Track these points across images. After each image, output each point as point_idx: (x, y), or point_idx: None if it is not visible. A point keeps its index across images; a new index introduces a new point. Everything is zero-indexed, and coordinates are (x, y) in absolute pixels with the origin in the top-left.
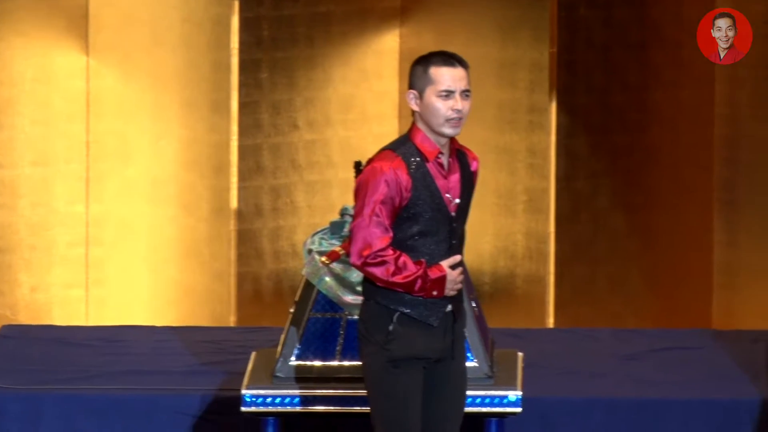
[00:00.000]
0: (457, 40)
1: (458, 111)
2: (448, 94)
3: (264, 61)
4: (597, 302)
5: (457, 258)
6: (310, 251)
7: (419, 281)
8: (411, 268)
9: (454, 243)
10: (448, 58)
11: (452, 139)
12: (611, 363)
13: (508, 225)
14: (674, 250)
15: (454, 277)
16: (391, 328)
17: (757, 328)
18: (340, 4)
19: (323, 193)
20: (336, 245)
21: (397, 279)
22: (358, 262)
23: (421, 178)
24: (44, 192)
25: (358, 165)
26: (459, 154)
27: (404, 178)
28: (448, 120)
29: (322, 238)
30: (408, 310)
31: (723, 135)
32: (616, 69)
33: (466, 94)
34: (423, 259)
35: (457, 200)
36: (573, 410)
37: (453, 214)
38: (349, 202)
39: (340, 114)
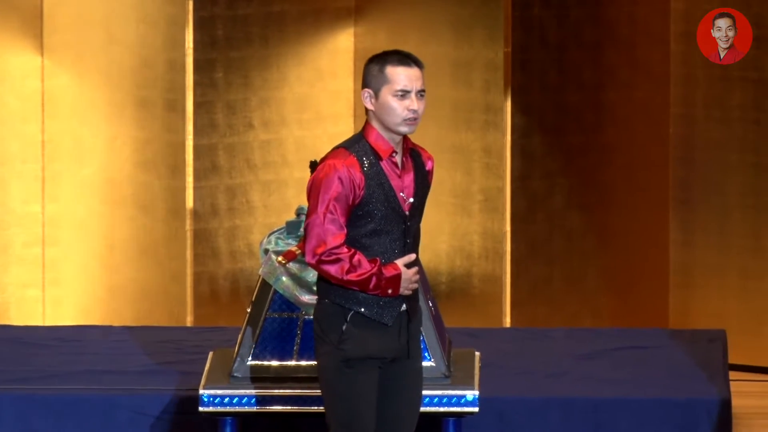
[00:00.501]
0: (411, 40)
1: (414, 111)
2: (404, 93)
3: (219, 61)
4: (553, 302)
5: (412, 257)
6: (266, 251)
7: (374, 279)
8: (366, 266)
9: (409, 242)
10: (404, 58)
11: (405, 138)
12: (568, 362)
13: (464, 225)
14: (630, 250)
15: (409, 275)
16: (344, 327)
17: (713, 327)
18: (295, 4)
19: (279, 193)
20: (292, 245)
21: (352, 277)
22: (313, 261)
23: (375, 177)
24: (0, 192)
25: (313, 164)
26: (413, 153)
27: (357, 176)
28: (404, 120)
29: (279, 238)
30: (362, 309)
31: (678, 135)
32: (570, 69)
33: (421, 94)
34: (377, 258)
35: (411, 199)
36: (530, 410)
37: (407, 212)
38: (304, 201)
39: (296, 113)
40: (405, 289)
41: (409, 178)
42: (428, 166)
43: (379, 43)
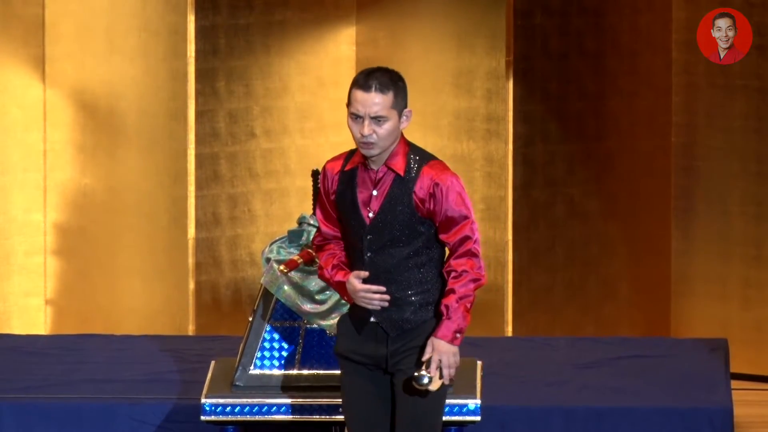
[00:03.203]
0: (413, 48)
1: (364, 136)
2: (356, 117)
3: (220, 70)
4: (555, 310)
5: (362, 273)
6: (268, 260)
7: (325, 275)
8: (324, 261)
9: (369, 255)
10: (367, 81)
11: (394, 154)
12: (569, 371)
13: None
14: (632, 259)
15: (354, 287)
16: (338, 322)
17: (714, 335)
18: (296, 13)
19: (281, 202)
20: (294, 254)
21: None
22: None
23: (348, 182)
24: (2, 200)
25: (315, 173)
26: (392, 171)
27: (334, 177)
28: (359, 142)
29: (281, 247)
30: (346, 310)
31: (680, 143)
32: (572, 77)
33: (378, 120)
34: (342, 262)
35: (371, 214)
36: (531, 418)
37: (367, 225)
38: (307, 210)
39: (297, 122)
40: (359, 300)
41: (380, 193)
42: (420, 192)
43: (381, 52)
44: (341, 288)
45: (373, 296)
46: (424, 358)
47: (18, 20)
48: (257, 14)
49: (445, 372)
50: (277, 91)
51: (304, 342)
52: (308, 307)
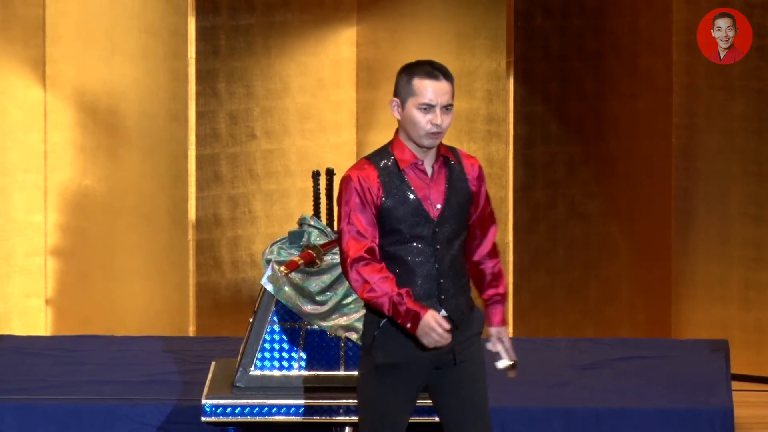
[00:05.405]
0: (413, 50)
1: (437, 125)
2: (428, 107)
3: (221, 71)
4: (556, 312)
5: (447, 325)
6: (269, 261)
7: (394, 298)
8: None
9: (438, 248)
10: (433, 71)
11: (440, 146)
12: (570, 372)
13: None
14: (632, 260)
15: (430, 323)
16: (376, 333)
17: (715, 337)
18: (297, 14)
19: (281, 203)
20: (295, 255)
21: (369, 296)
22: (343, 272)
23: (398, 185)
24: (2, 201)
25: (316, 174)
26: (447, 161)
27: (373, 185)
28: (427, 133)
29: (281, 248)
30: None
31: (680, 144)
32: (572, 79)
33: (447, 108)
34: (408, 288)
35: (439, 206)
36: (532, 420)
37: (434, 219)
38: (307, 211)
39: (298, 123)
40: (424, 335)
41: (439, 186)
42: (471, 173)
43: (381, 54)
44: (412, 318)
45: (443, 341)
46: (494, 349)
47: (18, 21)
48: (258, 15)
49: (515, 355)
50: (278, 92)
51: (305, 343)
52: (309, 308)
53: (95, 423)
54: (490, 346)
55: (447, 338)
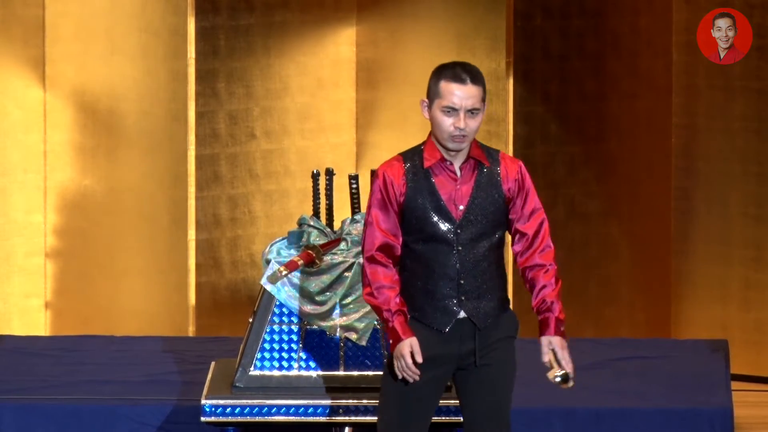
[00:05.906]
0: (413, 50)
1: (460, 129)
2: (452, 110)
3: (221, 71)
4: None
5: (418, 358)
6: (268, 261)
7: (384, 314)
8: (384, 298)
9: (461, 249)
10: (461, 73)
11: (473, 146)
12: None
13: None
14: (632, 260)
15: (404, 352)
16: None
17: (715, 337)
18: (296, 14)
19: (281, 203)
20: (294, 255)
21: (371, 300)
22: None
23: (423, 183)
24: (2, 202)
25: (316, 175)
26: (479, 163)
27: (398, 183)
28: (450, 136)
29: (281, 248)
30: (416, 314)
31: (680, 145)
32: (572, 79)
33: (472, 112)
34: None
35: (462, 207)
36: (532, 420)
37: (457, 220)
38: (307, 211)
39: (298, 123)
40: (395, 359)
41: (465, 186)
42: (508, 177)
43: (381, 54)
44: (392, 335)
45: (408, 371)
46: (546, 359)
47: (18, 21)
48: (257, 15)
49: (569, 365)
50: (278, 92)
51: (305, 343)
52: (308, 308)
53: (95, 423)
54: (542, 356)
55: (414, 372)
